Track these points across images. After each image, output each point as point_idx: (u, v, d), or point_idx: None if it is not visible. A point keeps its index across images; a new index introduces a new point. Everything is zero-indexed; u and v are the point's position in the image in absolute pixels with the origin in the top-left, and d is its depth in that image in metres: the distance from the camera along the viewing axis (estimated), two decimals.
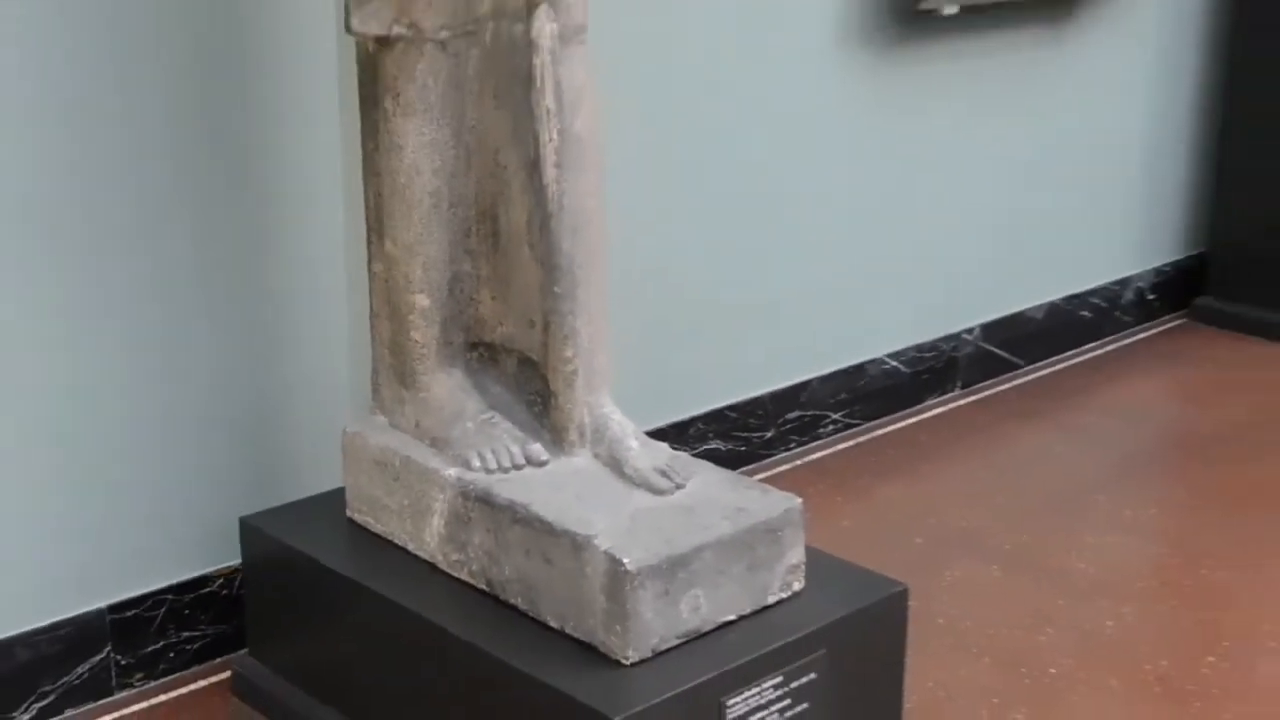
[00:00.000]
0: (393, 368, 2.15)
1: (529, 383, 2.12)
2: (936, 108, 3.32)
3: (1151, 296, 4.04)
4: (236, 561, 2.31)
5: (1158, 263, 4.05)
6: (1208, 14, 3.94)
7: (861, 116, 3.17)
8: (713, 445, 3.03)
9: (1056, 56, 3.56)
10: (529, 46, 1.93)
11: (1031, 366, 3.73)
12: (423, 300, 2.07)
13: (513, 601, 1.95)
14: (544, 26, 1.92)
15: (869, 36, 3.12)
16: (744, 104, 2.94)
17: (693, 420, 3.01)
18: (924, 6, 3.12)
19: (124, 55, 2.14)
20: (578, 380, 2.03)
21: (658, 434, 2.88)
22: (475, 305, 2.12)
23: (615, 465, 2.02)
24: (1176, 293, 4.10)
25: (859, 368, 3.32)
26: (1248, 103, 3.91)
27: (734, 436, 3.08)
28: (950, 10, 3.16)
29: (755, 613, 1.92)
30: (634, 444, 2.03)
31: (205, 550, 2.36)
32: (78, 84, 2.10)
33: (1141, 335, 3.99)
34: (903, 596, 2.04)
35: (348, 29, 1.97)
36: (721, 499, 1.96)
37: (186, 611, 2.35)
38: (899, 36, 3.18)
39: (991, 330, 3.60)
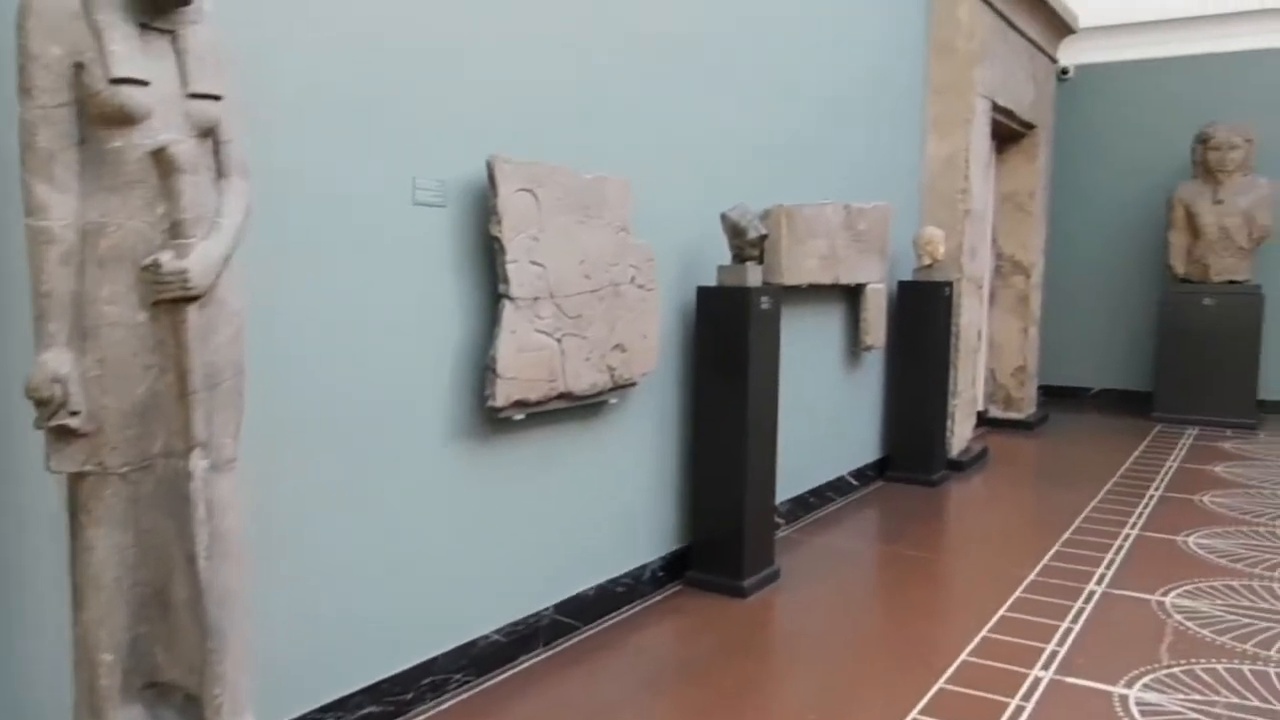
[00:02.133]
0: (88, 703, 1.71)
1: (192, 710, 1.72)
2: (515, 469, 3.13)
3: (661, 574, 3.87)
4: None
5: (663, 552, 3.90)
6: (681, 397, 3.93)
7: (471, 476, 2.95)
8: (370, 709, 2.62)
9: (591, 435, 3.44)
10: (188, 476, 1.62)
11: (588, 627, 3.46)
12: (107, 657, 1.68)
13: None
14: (197, 464, 1.63)
15: (469, 430, 2.92)
16: (386, 476, 2.67)
17: (355, 693, 2.59)
18: (501, 416, 2.94)
19: None
20: (224, 709, 1.66)
21: (331, 705, 2.48)
22: (153, 656, 1.74)
23: None
24: (676, 570, 3.95)
25: (472, 642, 2.98)
26: (705, 455, 3.89)
27: (385, 701, 2.68)
28: (519, 417, 2.99)
29: None
30: None
31: None
32: None
33: (657, 598, 3.80)
34: None
35: (47, 468, 1.61)
36: None
37: None
38: (489, 430, 2.99)
39: (561, 606, 3.34)
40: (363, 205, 2.55)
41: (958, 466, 6.20)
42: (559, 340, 3.09)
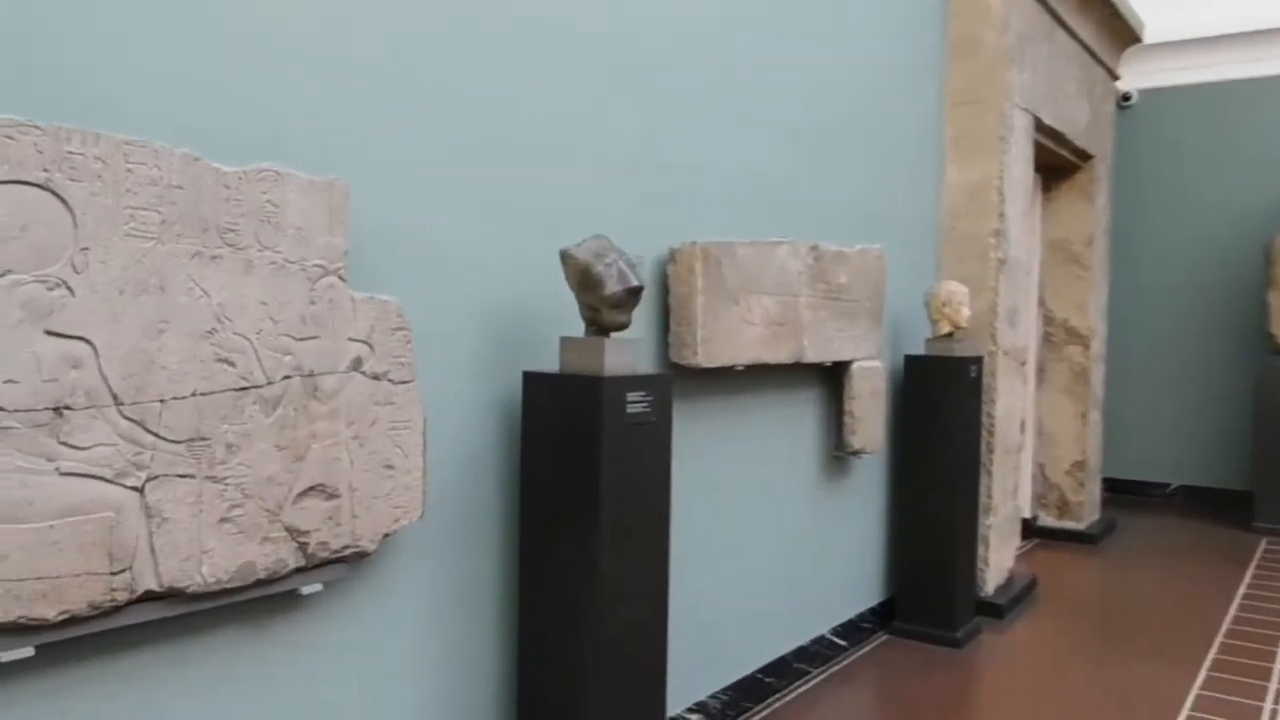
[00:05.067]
0: None
1: None
2: None
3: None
4: None
5: None
6: (495, 563, 2.36)
7: None
8: None
9: (263, 658, 1.86)
10: None
11: None
12: None
13: None
14: None
15: None
16: None
17: None
18: None
19: None
20: None
21: None
22: None
23: None
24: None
25: None
26: (538, 663, 2.29)
27: None
28: (15, 657, 1.43)
29: None
30: None
31: None
32: None
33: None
34: None
35: None
36: None
37: None
38: None
39: None
40: None
41: (994, 611, 4.49)
42: (140, 489, 1.54)
